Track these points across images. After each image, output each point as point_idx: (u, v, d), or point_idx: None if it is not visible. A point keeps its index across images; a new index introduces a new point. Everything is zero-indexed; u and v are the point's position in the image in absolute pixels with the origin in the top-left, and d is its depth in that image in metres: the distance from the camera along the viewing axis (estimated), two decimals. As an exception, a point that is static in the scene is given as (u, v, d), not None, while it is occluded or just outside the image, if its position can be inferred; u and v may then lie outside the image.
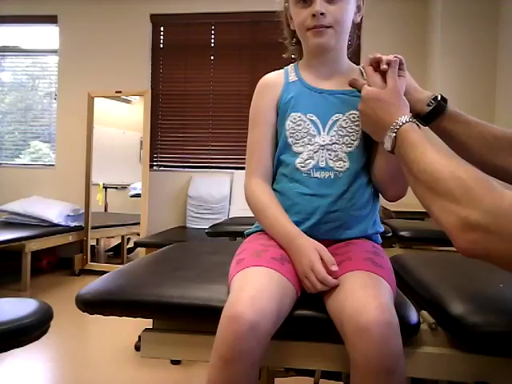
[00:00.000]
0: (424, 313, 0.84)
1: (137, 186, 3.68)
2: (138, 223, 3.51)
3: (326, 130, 0.92)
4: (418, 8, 3.42)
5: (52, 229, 3.33)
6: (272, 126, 0.97)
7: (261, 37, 3.66)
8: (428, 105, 0.89)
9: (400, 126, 0.77)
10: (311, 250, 0.80)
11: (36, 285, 3.13)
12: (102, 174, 3.74)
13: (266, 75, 1.01)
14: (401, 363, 0.67)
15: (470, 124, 0.88)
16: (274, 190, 0.95)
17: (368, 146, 0.92)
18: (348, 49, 0.98)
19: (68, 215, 3.52)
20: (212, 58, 3.77)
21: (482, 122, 0.89)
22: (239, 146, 3.68)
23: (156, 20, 3.80)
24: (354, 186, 0.91)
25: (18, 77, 4.15)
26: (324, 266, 0.78)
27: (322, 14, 0.87)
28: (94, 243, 3.80)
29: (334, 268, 0.77)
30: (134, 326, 1.61)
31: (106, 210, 3.82)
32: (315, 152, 0.91)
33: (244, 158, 0.99)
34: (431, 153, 0.70)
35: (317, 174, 0.90)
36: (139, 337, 0.87)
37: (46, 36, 4.02)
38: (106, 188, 3.79)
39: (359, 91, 0.87)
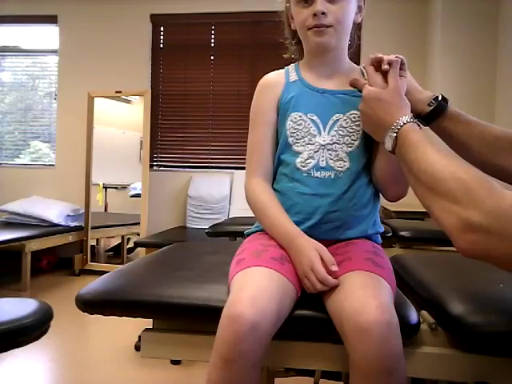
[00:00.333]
0: (424, 313, 0.84)
1: (137, 186, 3.68)
2: (138, 223, 3.51)
3: (327, 129, 0.92)
4: (418, 8, 3.42)
5: (52, 229, 3.33)
6: (272, 125, 0.97)
7: (261, 37, 3.66)
8: (429, 105, 0.89)
9: (401, 127, 0.77)
10: (311, 250, 0.80)
11: (36, 285, 3.13)
12: (102, 173, 3.74)
13: (267, 75, 1.01)
14: (401, 363, 0.67)
15: (470, 124, 0.88)
16: (274, 189, 0.95)
17: (369, 145, 0.92)
18: (349, 49, 0.98)
19: (68, 215, 3.52)
20: (212, 57, 3.77)
21: (483, 122, 0.89)
22: (239, 146, 3.68)
23: (156, 20, 3.80)
24: (355, 186, 0.91)
25: (18, 77, 4.15)
26: (324, 265, 0.78)
27: (323, 13, 0.87)
28: (94, 243, 3.80)
29: (334, 268, 0.77)
30: (133, 326, 1.61)
31: (106, 210, 3.82)
32: (316, 152, 0.91)
33: (244, 158, 0.99)
34: (432, 153, 0.70)
35: (317, 174, 0.90)
36: (139, 337, 0.87)
37: (46, 36, 4.02)
38: (105, 188, 3.79)
39: (360, 91, 0.87)
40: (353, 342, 0.68)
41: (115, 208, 3.87)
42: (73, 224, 3.53)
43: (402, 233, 1.74)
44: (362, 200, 0.91)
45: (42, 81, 4.10)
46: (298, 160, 0.92)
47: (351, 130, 0.91)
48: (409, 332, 0.76)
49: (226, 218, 3.38)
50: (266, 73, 1.01)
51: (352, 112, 0.92)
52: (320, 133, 0.92)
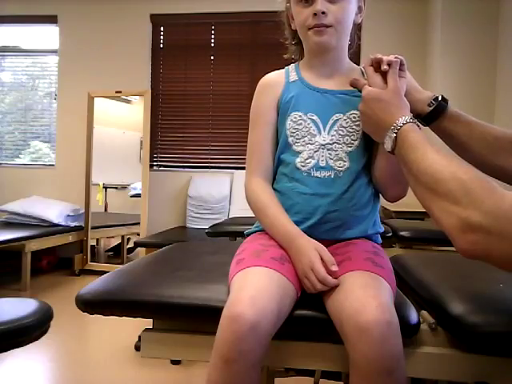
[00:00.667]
0: (424, 313, 0.84)
1: (137, 186, 3.68)
2: (138, 223, 3.51)
3: (327, 129, 0.92)
4: (418, 8, 3.42)
5: (52, 229, 3.33)
6: (272, 125, 0.97)
7: (261, 37, 3.66)
8: (429, 105, 0.89)
9: (400, 127, 0.77)
10: (311, 250, 0.80)
11: (36, 285, 3.13)
12: (101, 173, 3.74)
13: (267, 75, 1.01)
14: (401, 363, 0.67)
15: (470, 124, 0.88)
16: (274, 189, 0.95)
17: (368, 146, 0.92)
18: (349, 49, 0.99)
19: (68, 215, 3.52)
20: (212, 58, 3.77)
21: (483, 123, 0.89)
22: (239, 146, 3.68)
23: (156, 20, 3.80)
24: (355, 186, 0.91)
25: (18, 77, 4.15)
26: (324, 265, 0.78)
27: (323, 13, 0.87)
28: (94, 243, 3.80)
29: (334, 268, 0.77)
30: (133, 326, 1.61)
31: (106, 210, 3.82)
32: (315, 151, 0.91)
33: (244, 158, 0.99)
34: (432, 153, 0.70)
35: (317, 174, 0.90)
36: (139, 337, 0.87)
37: (46, 36, 4.02)
38: (105, 188, 3.79)
39: (360, 91, 0.87)
40: (353, 341, 0.68)
41: (115, 208, 3.87)
42: (73, 224, 3.53)
43: (401, 233, 1.74)
44: (361, 200, 0.91)
45: (41, 81, 4.10)
46: (298, 160, 0.92)
47: (351, 130, 0.92)
48: (409, 332, 0.76)
49: (226, 217, 3.38)
50: (266, 73, 1.02)
51: (352, 112, 0.92)
52: (320, 132, 0.92)
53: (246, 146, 0.99)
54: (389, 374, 0.66)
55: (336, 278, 0.77)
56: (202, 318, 0.80)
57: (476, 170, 0.68)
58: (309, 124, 0.92)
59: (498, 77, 2.90)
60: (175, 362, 1.86)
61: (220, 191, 3.57)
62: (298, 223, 0.88)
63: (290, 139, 0.93)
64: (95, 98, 3.70)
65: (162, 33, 3.83)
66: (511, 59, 2.75)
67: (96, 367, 1.87)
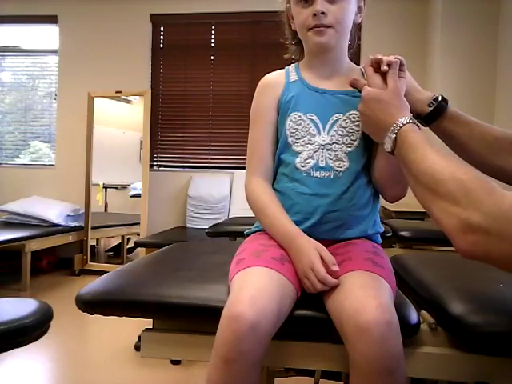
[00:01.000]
0: (424, 313, 0.84)
1: (137, 186, 3.68)
2: (138, 223, 3.51)
3: (326, 129, 0.92)
4: (418, 8, 3.42)
5: (52, 229, 3.33)
6: (273, 125, 0.97)
7: (261, 37, 3.66)
8: (429, 105, 0.89)
9: (400, 127, 0.77)
10: (311, 250, 0.80)
11: (36, 285, 3.13)
12: (102, 173, 3.74)
13: (267, 75, 1.01)
14: (401, 363, 0.67)
15: (470, 125, 0.88)
16: (274, 189, 0.95)
17: (368, 146, 0.92)
18: (349, 49, 0.99)
19: (68, 215, 3.52)
20: (212, 58, 3.77)
21: (483, 123, 0.89)
22: (239, 146, 3.68)
23: (156, 20, 3.80)
24: (354, 186, 0.91)
25: (18, 77, 4.15)
26: (324, 265, 0.78)
27: (322, 13, 0.88)
28: (94, 243, 3.80)
29: (335, 268, 0.77)
30: (133, 326, 1.61)
31: (106, 210, 3.82)
32: (315, 151, 0.91)
33: (244, 158, 0.99)
34: (431, 154, 0.70)
35: (316, 174, 0.90)
36: (139, 337, 0.87)
37: (46, 36, 4.02)
38: (106, 188, 3.79)
39: (360, 91, 0.87)
40: (353, 341, 0.68)
41: (115, 208, 3.87)
42: (73, 224, 3.53)
43: (401, 233, 1.75)
44: (361, 200, 0.91)
45: (41, 81, 4.10)
46: (298, 160, 0.92)
47: (351, 130, 0.92)
48: (409, 332, 0.76)
49: (226, 218, 3.38)
50: (266, 73, 1.02)
51: (352, 112, 0.92)
52: (319, 133, 0.92)
53: (245, 146, 0.99)
54: (389, 374, 0.66)
55: (336, 278, 0.77)
56: (202, 318, 0.80)
57: (476, 171, 0.68)
58: (308, 124, 0.92)
59: (498, 77, 2.90)
60: (175, 362, 1.86)
61: (220, 191, 3.57)
62: (298, 223, 0.88)
63: (290, 139, 0.93)
64: (95, 98, 3.70)
65: (161, 33, 3.83)
66: (511, 59, 2.75)
67: (96, 367, 1.87)
